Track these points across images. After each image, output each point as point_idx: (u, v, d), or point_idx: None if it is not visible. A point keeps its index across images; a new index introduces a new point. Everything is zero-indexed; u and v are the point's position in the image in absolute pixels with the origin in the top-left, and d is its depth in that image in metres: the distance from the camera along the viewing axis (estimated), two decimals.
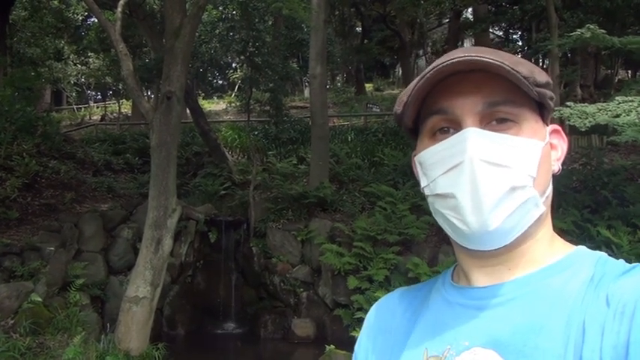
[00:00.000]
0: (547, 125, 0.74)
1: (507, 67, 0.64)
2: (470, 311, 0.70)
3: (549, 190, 0.71)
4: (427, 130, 0.73)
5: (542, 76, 0.69)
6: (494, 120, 0.68)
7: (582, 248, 0.72)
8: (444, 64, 0.66)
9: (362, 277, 7.81)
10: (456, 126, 0.69)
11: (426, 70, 0.69)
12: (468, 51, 0.67)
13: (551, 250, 0.71)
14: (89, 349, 5.64)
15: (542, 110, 0.73)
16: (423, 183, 0.74)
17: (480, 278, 0.72)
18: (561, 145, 0.75)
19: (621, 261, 0.68)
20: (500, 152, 0.66)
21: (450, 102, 0.69)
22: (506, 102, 0.68)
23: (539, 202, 0.68)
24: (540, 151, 0.69)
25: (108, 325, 6.98)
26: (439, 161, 0.69)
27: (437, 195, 0.70)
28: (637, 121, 5.65)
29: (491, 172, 0.65)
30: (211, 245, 9.26)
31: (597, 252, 0.70)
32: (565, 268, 0.68)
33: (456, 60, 0.66)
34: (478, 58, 0.65)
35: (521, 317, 0.65)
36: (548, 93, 0.71)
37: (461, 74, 0.68)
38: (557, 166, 0.74)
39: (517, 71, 0.65)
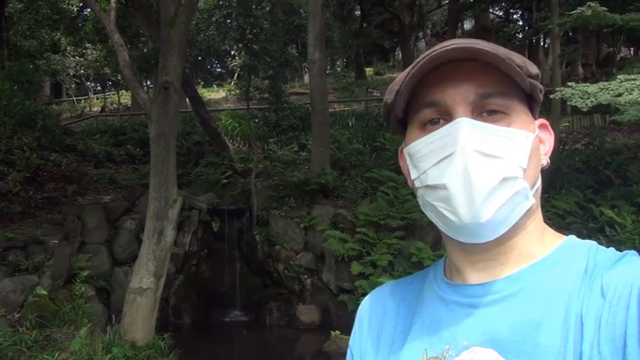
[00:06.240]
0: (535, 119, 0.74)
1: (502, 56, 0.64)
2: (466, 309, 0.69)
3: (539, 183, 0.71)
4: (417, 122, 0.72)
5: (533, 68, 0.70)
6: (484, 111, 0.68)
7: (572, 238, 0.71)
8: (438, 51, 0.66)
9: (365, 263, 7.82)
10: (446, 116, 0.69)
11: (420, 58, 0.68)
12: (462, 40, 0.66)
13: (542, 242, 0.70)
14: (95, 341, 5.68)
15: (531, 103, 0.73)
16: (413, 175, 0.73)
17: (473, 275, 0.71)
18: (549, 140, 0.76)
19: (611, 249, 0.67)
20: (492, 143, 0.65)
21: (442, 93, 0.68)
22: (498, 94, 0.68)
23: (529, 195, 0.67)
24: (531, 143, 0.68)
25: (114, 316, 7.03)
26: (430, 152, 0.68)
27: (427, 186, 0.69)
28: (639, 99, 5.59)
29: (484, 163, 0.64)
30: (215, 234, 9.28)
31: (587, 241, 0.70)
32: (557, 261, 0.67)
33: (450, 47, 0.65)
34: (472, 46, 0.65)
35: (518, 314, 0.64)
36: (539, 85, 0.71)
37: (453, 64, 0.68)
38: (545, 160, 0.74)
39: (511, 60, 0.65)
